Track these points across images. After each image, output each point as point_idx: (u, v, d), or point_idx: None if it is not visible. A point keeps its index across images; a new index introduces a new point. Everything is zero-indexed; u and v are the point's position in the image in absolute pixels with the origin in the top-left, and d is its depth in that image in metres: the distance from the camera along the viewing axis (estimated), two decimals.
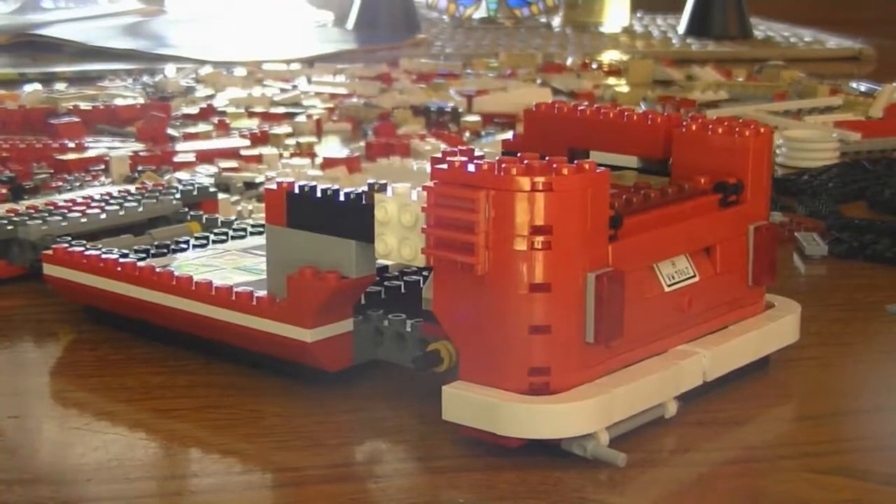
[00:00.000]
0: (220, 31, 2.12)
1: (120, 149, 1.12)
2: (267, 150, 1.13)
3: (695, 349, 0.58)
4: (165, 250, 0.71)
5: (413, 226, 0.55)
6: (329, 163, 1.07)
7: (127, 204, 0.80)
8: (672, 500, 0.51)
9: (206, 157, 1.10)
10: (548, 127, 0.67)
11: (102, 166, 1.05)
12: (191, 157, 1.09)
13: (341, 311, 0.59)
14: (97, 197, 0.82)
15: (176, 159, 1.09)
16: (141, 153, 1.09)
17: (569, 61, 1.81)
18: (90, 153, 1.09)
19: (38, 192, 0.95)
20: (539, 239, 0.51)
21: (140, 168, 1.03)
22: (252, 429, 0.56)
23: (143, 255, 0.70)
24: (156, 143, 1.16)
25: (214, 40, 1.97)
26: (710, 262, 0.60)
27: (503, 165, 0.51)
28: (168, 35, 2.04)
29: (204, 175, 1.04)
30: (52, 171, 1.03)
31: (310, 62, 1.76)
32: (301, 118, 1.31)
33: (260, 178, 1.01)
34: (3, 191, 0.94)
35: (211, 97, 1.44)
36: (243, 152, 1.12)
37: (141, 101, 1.39)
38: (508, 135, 0.82)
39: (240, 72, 1.64)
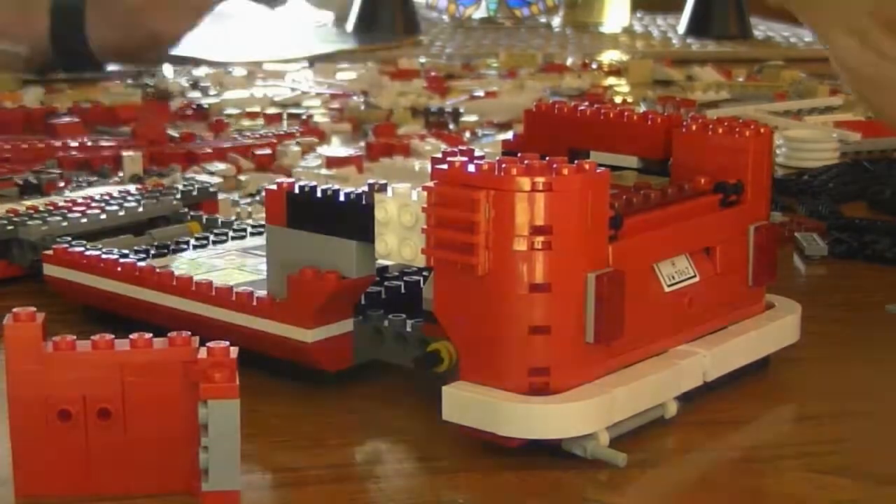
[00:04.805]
0: (219, 31, 2.12)
1: (127, 149, 1.12)
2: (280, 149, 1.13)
3: (695, 349, 0.58)
4: (165, 250, 0.71)
5: (413, 226, 0.55)
6: (333, 162, 1.07)
7: (127, 204, 0.80)
8: (672, 500, 0.51)
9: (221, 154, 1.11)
10: (548, 127, 0.67)
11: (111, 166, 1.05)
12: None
13: (341, 311, 0.59)
14: (97, 197, 0.82)
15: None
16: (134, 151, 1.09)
17: (569, 61, 1.81)
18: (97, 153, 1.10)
19: (42, 192, 0.95)
20: (539, 239, 0.51)
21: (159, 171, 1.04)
22: (252, 429, 0.56)
23: (143, 256, 0.70)
24: (155, 143, 1.16)
25: (214, 40, 1.97)
26: (710, 262, 0.60)
27: (503, 165, 0.51)
28: None
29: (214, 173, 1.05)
30: (60, 171, 1.03)
31: (309, 62, 1.76)
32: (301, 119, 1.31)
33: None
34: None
35: (212, 97, 1.44)
36: (257, 151, 1.12)
37: (141, 101, 1.39)
38: (508, 135, 0.82)
39: (240, 72, 1.64)
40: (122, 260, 0.67)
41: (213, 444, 0.47)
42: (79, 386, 0.48)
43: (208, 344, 0.48)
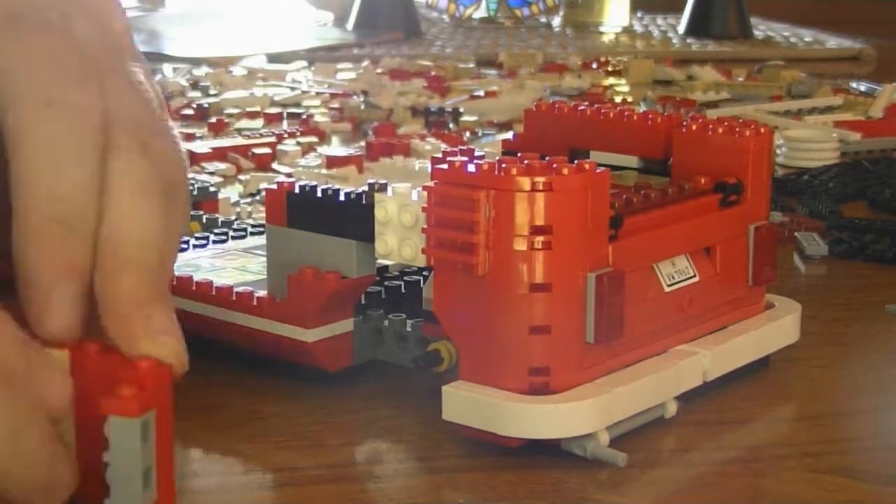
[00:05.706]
0: (219, 29, 2.12)
1: None
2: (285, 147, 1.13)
3: (695, 349, 0.58)
4: None
5: (413, 226, 0.55)
6: (333, 162, 1.07)
7: None
8: (672, 500, 0.51)
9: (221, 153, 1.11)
10: (548, 127, 0.67)
11: None
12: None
13: (341, 311, 0.59)
14: None
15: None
16: None
17: (569, 61, 1.81)
18: None
19: None
20: (539, 239, 0.51)
21: None
22: (252, 429, 0.56)
23: None
24: None
25: (213, 39, 1.97)
26: (710, 262, 0.60)
27: (503, 165, 0.51)
28: (167, 33, 2.04)
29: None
30: None
31: (309, 60, 1.76)
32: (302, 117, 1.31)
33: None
34: None
35: (213, 96, 1.44)
36: (257, 150, 1.12)
37: None
38: (509, 135, 0.82)
39: (240, 72, 1.64)
40: None
41: (114, 462, 0.43)
42: None
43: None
